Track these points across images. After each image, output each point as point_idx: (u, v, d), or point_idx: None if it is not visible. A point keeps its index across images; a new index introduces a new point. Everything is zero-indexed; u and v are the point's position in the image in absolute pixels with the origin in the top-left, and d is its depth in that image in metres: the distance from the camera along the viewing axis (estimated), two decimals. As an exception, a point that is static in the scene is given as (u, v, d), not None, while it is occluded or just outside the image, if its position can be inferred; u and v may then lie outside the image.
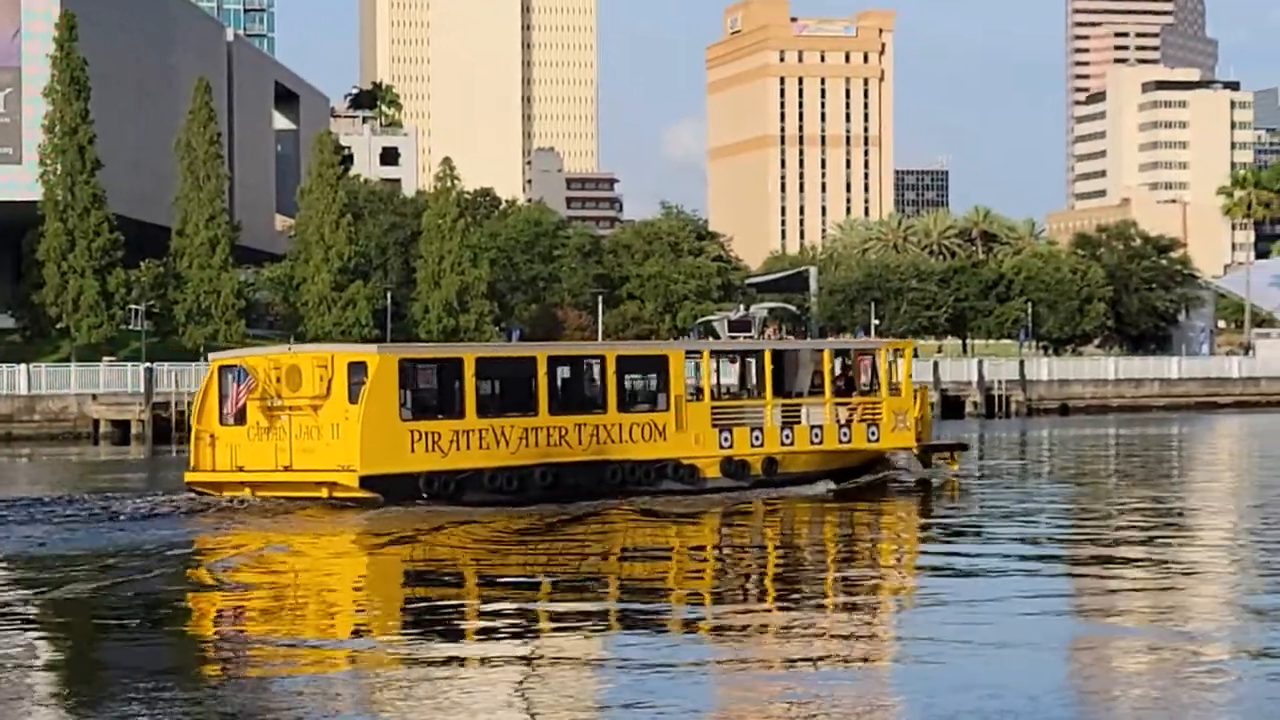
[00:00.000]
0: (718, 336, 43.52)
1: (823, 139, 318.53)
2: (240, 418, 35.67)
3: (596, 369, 38.22)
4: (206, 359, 46.73)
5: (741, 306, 49.02)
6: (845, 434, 40.89)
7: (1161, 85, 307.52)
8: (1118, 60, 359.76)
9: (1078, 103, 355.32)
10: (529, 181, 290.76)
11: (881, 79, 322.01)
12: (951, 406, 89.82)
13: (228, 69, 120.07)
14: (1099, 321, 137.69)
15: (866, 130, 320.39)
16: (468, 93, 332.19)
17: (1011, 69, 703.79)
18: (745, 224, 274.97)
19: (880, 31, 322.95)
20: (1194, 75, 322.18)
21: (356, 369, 34.95)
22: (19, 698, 16.58)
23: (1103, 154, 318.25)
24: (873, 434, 41.34)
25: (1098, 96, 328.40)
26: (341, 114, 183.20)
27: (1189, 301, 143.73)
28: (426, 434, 35.08)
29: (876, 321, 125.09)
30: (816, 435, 40.42)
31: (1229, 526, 32.70)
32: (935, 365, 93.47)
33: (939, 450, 44.29)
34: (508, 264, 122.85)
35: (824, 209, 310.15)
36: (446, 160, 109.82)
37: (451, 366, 36.24)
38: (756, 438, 39.34)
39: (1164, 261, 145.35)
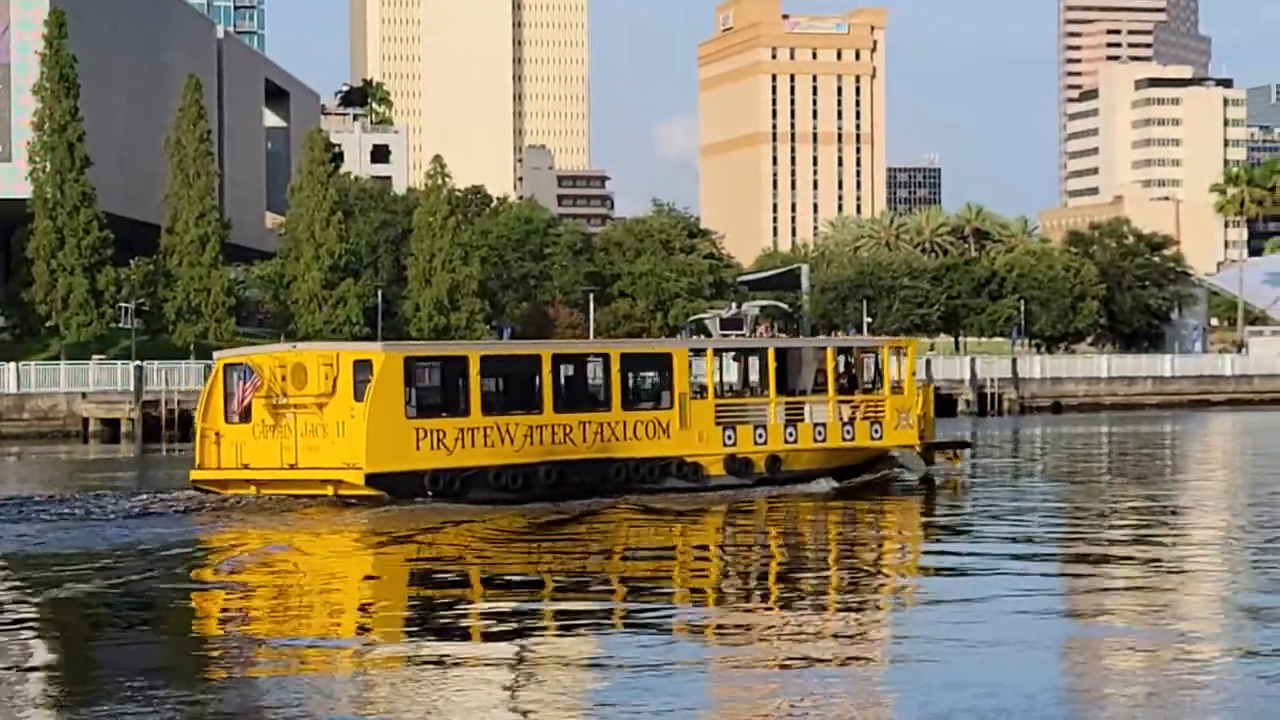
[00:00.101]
0: (710, 334, 43.53)
1: (815, 136, 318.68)
2: (245, 416, 35.73)
3: (601, 367, 38.31)
4: (208, 358, 46.64)
5: (733, 304, 49.09)
6: (849, 432, 41.00)
7: (1154, 83, 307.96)
8: (1110, 57, 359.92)
9: (1070, 100, 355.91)
10: (520, 179, 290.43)
11: (873, 76, 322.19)
12: (944, 405, 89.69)
13: (218, 66, 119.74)
14: (1092, 319, 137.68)
15: (858, 127, 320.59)
16: (459, 90, 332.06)
17: (1004, 66, 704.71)
18: (737, 221, 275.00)
19: (872, 28, 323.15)
20: (1187, 73, 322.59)
21: (362, 367, 34.99)
22: (14, 698, 16.52)
23: (1095, 151, 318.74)
24: (876, 432, 41.46)
25: (1090, 94, 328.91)
26: (332, 111, 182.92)
27: (1182, 299, 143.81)
28: (431, 432, 35.13)
29: (869, 319, 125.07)
30: (820, 433, 40.51)
31: (1222, 525, 32.69)
32: (928, 363, 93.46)
33: (942, 448, 44.45)
34: (499, 262, 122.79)
35: (816, 206, 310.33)
36: (437, 158, 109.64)
37: (456, 364, 36.29)
38: (760, 435, 39.44)
39: (1157, 259, 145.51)
